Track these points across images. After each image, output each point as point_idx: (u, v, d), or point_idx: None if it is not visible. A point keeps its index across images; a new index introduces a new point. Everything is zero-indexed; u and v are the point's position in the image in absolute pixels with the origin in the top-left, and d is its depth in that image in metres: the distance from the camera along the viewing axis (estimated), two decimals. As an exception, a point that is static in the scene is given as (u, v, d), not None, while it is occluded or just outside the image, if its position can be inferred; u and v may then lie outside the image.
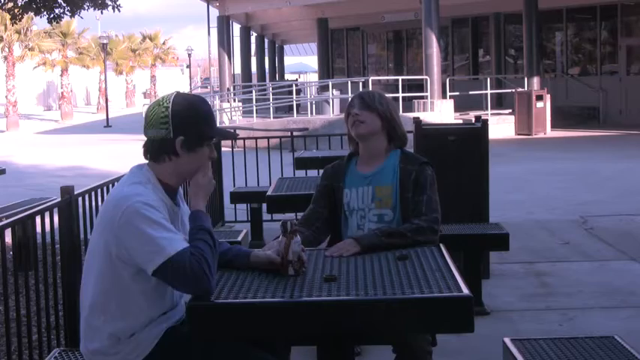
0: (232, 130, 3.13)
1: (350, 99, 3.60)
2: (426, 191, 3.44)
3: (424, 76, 21.25)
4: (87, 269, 2.79)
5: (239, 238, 5.89)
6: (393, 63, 33.81)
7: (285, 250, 2.76)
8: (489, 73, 27.02)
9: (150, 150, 2.77)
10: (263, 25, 36.24)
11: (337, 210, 3.54)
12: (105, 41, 42.45)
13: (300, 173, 7.69)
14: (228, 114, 26.04)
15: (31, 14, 12.68)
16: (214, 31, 31.94)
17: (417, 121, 6.40)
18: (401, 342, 3.29)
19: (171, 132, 2.69)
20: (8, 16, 13.29)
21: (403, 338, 3.25)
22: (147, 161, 2.82)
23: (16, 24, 16.06)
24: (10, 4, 12.16)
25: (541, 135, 20.78)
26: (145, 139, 2.80)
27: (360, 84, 23.66)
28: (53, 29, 38.42)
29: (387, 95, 3.66)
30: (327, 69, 32.11)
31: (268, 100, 23.89)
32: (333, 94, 22.77)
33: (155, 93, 56.94)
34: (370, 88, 20.40)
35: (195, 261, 2.54)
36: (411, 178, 3.45)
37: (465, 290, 2.48)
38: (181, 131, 2.70)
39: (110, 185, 4.84)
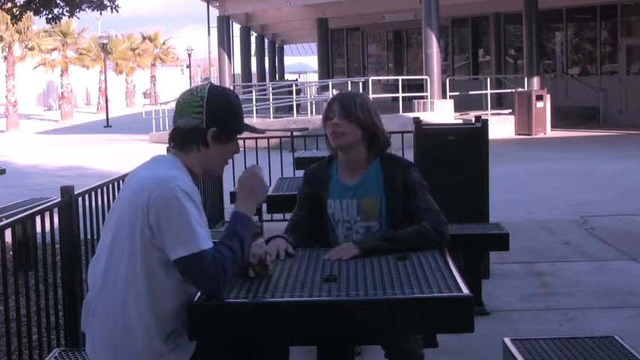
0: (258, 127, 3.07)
1: (329, 101, 3.41)
2: (419, 196, 3.33)
3: (424, 76, 21.25)
4: (112, 257, 2.66)
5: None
6: (393, 63, 33.82)
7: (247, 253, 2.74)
8: (489, 73, 27.03)
9: (178, 138, 2.72)
10: (263, 25, 36.25)
11: (323, 217, 3.43)
12: (105, 41, 42.46)
13: (300, 173, 7.59)
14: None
15: (31, 14, 12.70)
16: (214, 31, 31.95)
17: (417, 121, 6.40)
18: (393, 347, 3.29)
19: (204, 122, 2.67)
20: (9, 16, 13.29)
21: (397, 343, 3.24)
22: (168, 151, 2.78)
23: (17, 24, 16.06)
24: (9, 4, 12.17)
25: (541, 135, 20.78)
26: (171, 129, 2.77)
27: (360, 84, 23.67)
28: (53, 29, 38.41)
29: (368, 97, 3.52)
30: (327, 69, 32.12)
31: (268, 100, 23.89)
32: (333, 94, 22.76)
33: (155, 93, 56.94)
34: (370, 88, 20.46)
35: (214, 265, 2.51)
36: (398, 185, 3.33)
37: (465, 290, 2.48)
38: (214, 122, 2.68)
39: (110, 185, 4.83)
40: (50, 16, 12.29)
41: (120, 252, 2.62)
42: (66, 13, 12.46)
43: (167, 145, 2.86)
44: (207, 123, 2.67)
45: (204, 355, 2.64)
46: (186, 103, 2.70)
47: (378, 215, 3.33)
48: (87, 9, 12.53)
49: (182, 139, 2.71)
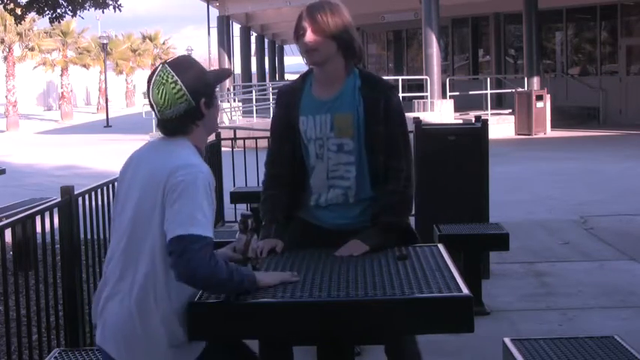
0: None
1: (298, 15, 3.14)
2: (397, 125, 3.18)
3: (424, 76, 21.25)
4: (130, 243, 2.60)
5: (239, 238, 5.88)
6: (393, 63, 33.83)
7: (246, 247, 2.74)
8: (489, 73, 27.04)
9: (174, 127, 2.67)
10: (263, 25, 36.26)
11: (298, 140, 3.26)
12: (105, 41, 42.48)
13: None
14: (228, 114, 26.04)
15: (34, 14, 12.71)
16: (214, 31, 31.96)
17: (417, 121, 6.41)
18: (394, 343, 3.29)
19: (191, 101, 2.63)
20: (9, 17, 13.31)
21: (398, 340, 3.24)
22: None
23: (20, 24, 16.07)
24: (12, 5, 12.17)
25: (541, 135, 20.78)
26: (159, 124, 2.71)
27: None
28: (53, 29, 38.44)
29: (338, 4, 3.19)
30: (327, 69, 32.07)
31: (268, 100, 23.88)
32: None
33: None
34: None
35: (206, 262, 2.44)
36: (380, 107, 3.15)
37: (465, 290, 2.48)
38: (200, 94, 2.65)
39: (110, 185, 4.83)
40: (53, 15, 12.29)
41: (139, 239, 2.58)
42: (69, 13, 12.47)
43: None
44: (194, 99, 2.63)
45: (215, 350, 2.63)
46: (166, 95, 2.63)
47: (353, 131, 3.17)
48: (90, 8, 12.52)
49: (178, 125, 2.66)
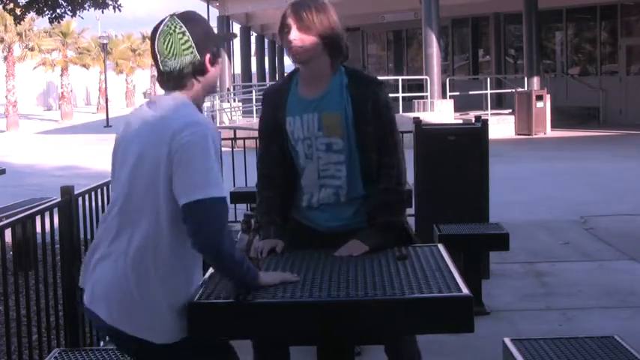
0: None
1: (283, 12, 3.11)
2: (386, 123, 3.13)
3: (424, 76, 21.25)
4: (130, 202, 2.53)
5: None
6: (393, 63, 33.82)
7: (248, 247, 2.73)
8: (489, 73, 27.03)
9: (175, 79, 2.58)
10: (263, 25, 36.23)
11: (286, 141, 3.22)
12: (105, 41, 42.49)
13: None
14: (228, 114, 26.04)
15: (33, 14, 12.71)
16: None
17: (417, 121, 6.41)
18: (393, 343, 3.28)
19: (197, 54, 2.56)
20: (9, 17, 13.33)
21: (398, 339, 3.24)
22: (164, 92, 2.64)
23: (20, 24, 16.08)
24: (11, 5, 12.18)
25: (541, 135, 20.78)
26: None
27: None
28: (53, 29, 38.46)
29: (326, 1, 3.15)
30: (327, 69, 32.07)
31: (268, 100, 23.85)
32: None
33: (155, 93, 56.95)
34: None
35: (230, 239, 2.43)
36: (368, 107, 3.11)
37: (465, 290, 2.48)
38: (205, 49, 2.58)
39: (110, 185, 4.82)
40: (53, 15, 12.30)
41: (139, 199, 2.51)
42: (69, 13, 12.47)
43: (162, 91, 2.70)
44: (199, 53, 2.57)
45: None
46: (172, 45, 2.56)
47: (341, 131, 3.12)
48: (89, 8, 12.53)
49: (180, 78, 2.58)
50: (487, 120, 6.36)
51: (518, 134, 20.98)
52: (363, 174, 3.20)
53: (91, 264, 2.58)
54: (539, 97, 20.94)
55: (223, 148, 8.88)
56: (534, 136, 20.57)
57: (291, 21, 3.05)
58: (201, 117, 2.55)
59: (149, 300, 2.46)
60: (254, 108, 22.82)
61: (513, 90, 22.42)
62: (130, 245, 2.48)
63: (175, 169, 2.44)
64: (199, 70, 2.59)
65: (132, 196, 2.52)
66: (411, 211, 6.61)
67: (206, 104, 30.10)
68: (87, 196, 4.49)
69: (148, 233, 2.47)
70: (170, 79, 2.59)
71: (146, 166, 2.50)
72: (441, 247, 3.13)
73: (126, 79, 58.03)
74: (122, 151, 2.63)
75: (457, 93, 22.34)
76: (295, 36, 3.05)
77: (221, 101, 27.53)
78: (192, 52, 2.56)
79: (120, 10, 12.67)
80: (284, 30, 3.08)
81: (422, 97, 21.16)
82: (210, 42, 2.61)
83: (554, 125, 21.42)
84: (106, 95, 40.35)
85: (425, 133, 6.30)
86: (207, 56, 2.59)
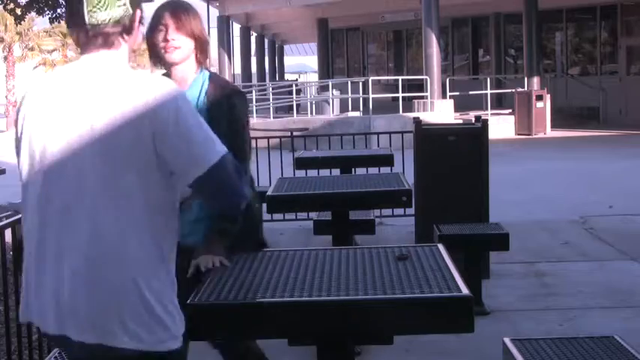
0: None
1: (160, 11, 3.13)
2: (237, 131, 3.14)
3: (424, 76, 21.25)
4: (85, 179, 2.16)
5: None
6: (393, 63, 33.81)
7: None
8: (489, 73, 27.03)
9: (101, 36, 2.24)
10: (263, 25, 36.24)
11: None
12: (105, 41, 42.47)
13: (300, 173, 7.68)
14: (228, 114, 26.01)
15: (33, 14, 12.74)
16: (214, 31, 31.93)
17: (417, 121, 6.41)
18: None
19: (129, 7, 2.26)
20: (9, 17, 13.36)
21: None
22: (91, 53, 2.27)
23: (20, 24, 16.09)
24: (12, 5, 12.20)
25: (541, 135, 20.78)
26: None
27: (360, 84, 23.67)
28: (53, 29, 38.46)
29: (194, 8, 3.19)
30: (327, 69, 32.12)
31: (268, 100, 23.89)
32: (333, 94, 22.77)
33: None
34: (370, 88, 20.45)
35: (235, 167, 2.29)
36: (223, 111, 3.13)
37: (465, 290, 2.48)
38: (137, 4, 2.30)
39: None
40: (53, 15, 12.31)
41: (96, 192, 2.15)
42: (69, 13, 12.49)
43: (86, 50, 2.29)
44: (132, 5, 2.27)
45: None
46: None
47: None
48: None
49: (110, 34, 2.24)
50: (487, 120, 6.37)
51: (518, 134, 20.98)
52: None
53: (33, 283, 2.22)
54: (539, 97, 20.94)
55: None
56: (534, 136, 20.57)
57: (169, 21, 3.10)
58: (153, 77, 2.30)
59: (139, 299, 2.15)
60: (254, 108, 22.81)
61: (513, 90, 22.41)
62: (93, 241, 2.13)
63: (166, 144, 2.15)
64: (128, 27, 2.29)
65: (84, 189, 2.16)
66: (411, 211, 6.63)
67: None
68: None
69: (118, 221, 2.14)
70: (98, 35, 2.25)
71: (111, 148, 2.15)
72: (441, 247, 3.13)
73: (126, 79, 58.07)
74: (43, 134, 2.24)
75: (457, 93, 22.34)
76: (174, 36, 3.10)
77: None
78: (124, 5, 2.26)
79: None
80: (158, 29, 3.13)
81: (422, 97, 21.15)
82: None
83: (554, 125, 21.42)
84: (106, 95, 40.32)
85: (425, 133, 6.31)
86: (138, 12, 2.32)
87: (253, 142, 8.94)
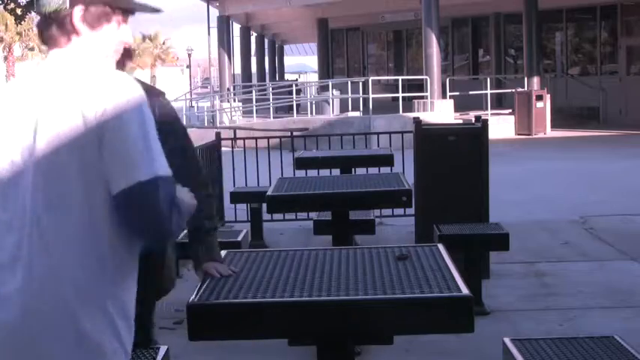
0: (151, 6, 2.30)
1: None
2: (179, 129, 3.23)
3: (424, 76, 21.25)
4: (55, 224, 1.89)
5: (239, 238, 5.91)
6: (393, 63, 33.81)
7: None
8: (489, 73, 27.02)
9: (46, 31, 2.01)
10: (263, 25, 36.24)
11: None
12: (105, 41, 42.48)
13: (300, 173, 7.68)
14: (228, 114, 26.05)
15: (34, 14, 12.74)
16: (214, 31, 31.95)
17: (417, 121, 6.41)
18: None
19: (67, 0, 1.97)
20: (9, 17, 13.37)
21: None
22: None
23: (20, 24, 16.11)
24: (12, 5, 12.21)
25: (541, 135, 20.78)
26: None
27: (360, 84, 23.67)
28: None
29: None
30: (327, 69, 32.12)
31: (268, 100, 23.89)
32: (333, 94, 22.77)
33: (155, 93, 56.96)
34: (370, 88, 20.46)
35: (170, 198, 1.92)
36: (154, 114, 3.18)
37: (465, 290, 2.48)
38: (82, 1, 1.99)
39: None
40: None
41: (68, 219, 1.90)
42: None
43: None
44: (70, 0, 1.98)
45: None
46: None
47: None
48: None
49: (50, 30, 2.00)
50: (487, 120, 6.37)
51: (518, 134, 20.97)
52: None
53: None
54: (539, 97, 20.93)
55: (224, 148, 8.93)
56: (534, 136, 20.57)
57: None
58: (113, 72, 2.02)
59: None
60: (254, 108, 22.82)
61: (513, 90, 22.40)
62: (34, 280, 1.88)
63: (103, 150, 1.89)
64: (68, 25, 2.02)
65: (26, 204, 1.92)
66: (411, 211, 6.63)
67: (206, 104, 30.18)
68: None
69: (66, 254, 1.90)
70: (43, 29, 2.04)
71: (64, 150, 1.91)
72: (441, 247, 3.14)
73: (126, 79, 58.01)
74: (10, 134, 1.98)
75: (457, 93, 22.33)
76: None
77: (221, 101, 27.55)
78: None
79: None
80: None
81: (422, 97, 21.15)
82: None
83: (554, 125, 21.41)
84: (106, 95, 40.32)
85: (425, 133, 6.31)
86: (78, 8, 2.01)
87: (253, 142, 8.98)
